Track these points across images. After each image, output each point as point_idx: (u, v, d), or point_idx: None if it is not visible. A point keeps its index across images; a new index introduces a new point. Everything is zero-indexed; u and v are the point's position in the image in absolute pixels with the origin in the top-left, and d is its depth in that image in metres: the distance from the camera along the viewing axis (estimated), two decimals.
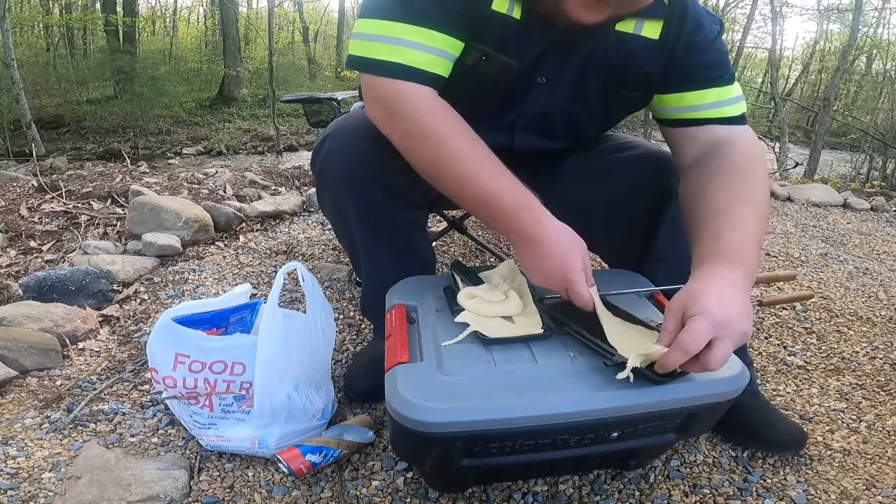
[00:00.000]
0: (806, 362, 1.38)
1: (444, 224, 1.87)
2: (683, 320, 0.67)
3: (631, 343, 0.73)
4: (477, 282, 0.91)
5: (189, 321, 0.98)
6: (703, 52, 0.92)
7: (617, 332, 0.75)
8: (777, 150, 6.93)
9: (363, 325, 1.43)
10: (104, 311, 1.45)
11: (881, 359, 1.40)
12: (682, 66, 0.93)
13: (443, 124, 0.81)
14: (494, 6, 0.85)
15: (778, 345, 1.46)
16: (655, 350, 0.67)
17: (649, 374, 0.68)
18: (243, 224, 2.10)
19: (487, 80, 0.92)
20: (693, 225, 0.84)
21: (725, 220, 0.78)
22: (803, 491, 0.96)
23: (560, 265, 0.79)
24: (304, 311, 1.02)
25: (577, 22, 0.81)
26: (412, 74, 0.81)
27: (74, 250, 1.79)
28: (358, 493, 0.92)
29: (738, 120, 0.94)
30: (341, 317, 1.47)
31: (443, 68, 0.85)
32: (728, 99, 0.93)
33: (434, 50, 0.82)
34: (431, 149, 0.81)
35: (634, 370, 0.68)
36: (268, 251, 1.90)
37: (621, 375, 0.68)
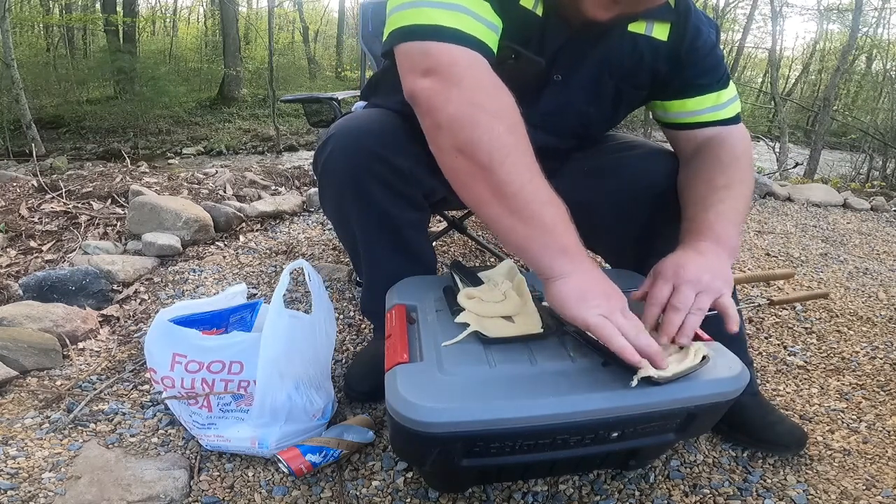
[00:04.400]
0: (806, 362, 1.38)
1: (444, 224, 1.87)
2: (659, 282, 0.79)
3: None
4: (477, 282, 0.91)
5: (188, 321, 0.97)
6: (703, 59, 0.96)
7: None
8: (777, 150, 6.93)
9: (363, 325, 1.43)
10: (104, 311, 1.45)
11: (881, 359, 1.40)
12: (685, 72, 0.97)
13: (512, 107, 0.74)
14: (522, 1, 0.86)
15: (778, 345, 1.46)
16: (674, 361, 0.70)
17: (651, 377, 0.68)
18: (243, 224, 2.10)
19: (513, 78, 0.91)
20: (682, 214, 0.93)
21: (700, 206, 0.89)
22: (803, 491, 0.95)
23: (602, 291, 0.72)
24: (305, 311, 1.02)
25: (591, 19, 0.82)
26: (475, 44, 0.74)
27: (74, 250, 1.79)
28: (358, 493, 0.92)
29: (732, 120, 1.00)
30: (341, 317, 1.47)
31: (495, 45, 0.80)
32: (724, 102, 0.99)
33: (489, 23, 0.78)
34: (506, 129, 0.71)
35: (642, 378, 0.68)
36: (268, 251, 1.90)
37: (634, 383, 0.68)
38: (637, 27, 0.92)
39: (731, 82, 1.01)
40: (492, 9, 0.79)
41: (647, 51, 0.94)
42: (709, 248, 0.82)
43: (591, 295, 0.70)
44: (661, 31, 0.93)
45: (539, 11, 0.87)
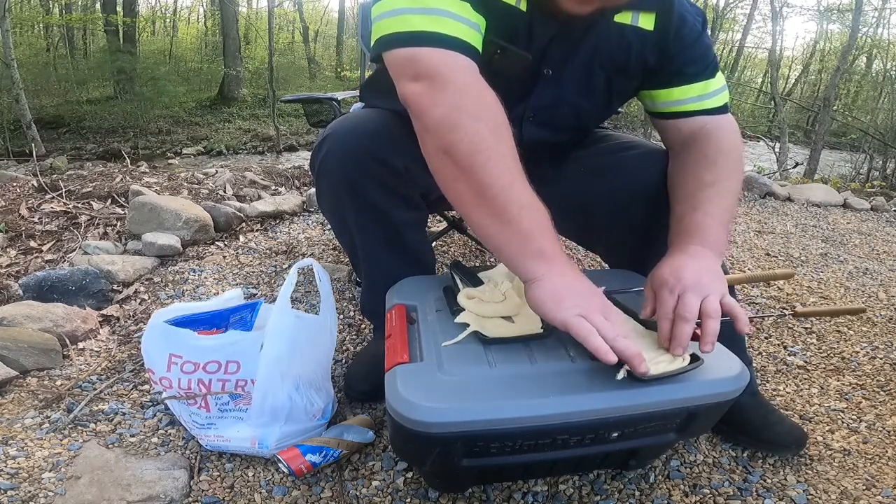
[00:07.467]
0: (806, 362, 1.38)
1: (444, 224, 1.87)
2: (663, 294, 0.76)
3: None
4: (476, 282, 0.91)
5: (188, 322, 0.97)
6: (689, 47, 0.96)
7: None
8: (777, 150, 6.93)
9: (363, 325, 1.43)
10: (104, 311, 1.45)
11: (881, 359, 1.40)
12: (672, 61, 0.96)
13: (496, 108, 0.75)
14: None
15: (778, 345, 1.46)
16: (665, 360, 0.70)
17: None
18: (243, 224, 2.10)
19: (501, 74, 0.92)
20: (670, 210, 0.93)
21: (688, 205, 0.88)
22: (803, 491, 0.96)
23: (579, 293, 0.72)
24: (306, 311, 1.02)
25: (570, 13, 0.83)
26: (458, 45, 0.76)
27: (74, 250, 1.79)
28: (358, 493, 0.92)
29: (720, 110, 1.00)
30: (341, 317, 1.47)
31: (479, 43, 0.82)
32: (711, 91, 0.99)
33: (470, 22, 0.79)
34: (489, 130, 0.72)
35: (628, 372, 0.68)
36: (268, 251, 1.90)
37: (619, 376, 0.68)
38: (623, 17, 0.92)
39: (719, 73, 1.00)
40: (472, 8, 0.80)
41: (635, 41, 0.94)
42: (698, 250, 0.82)
43: (567, 296, 0.70)
44: (646, 21, 0.93)
45: (523, 7, 0.88)
